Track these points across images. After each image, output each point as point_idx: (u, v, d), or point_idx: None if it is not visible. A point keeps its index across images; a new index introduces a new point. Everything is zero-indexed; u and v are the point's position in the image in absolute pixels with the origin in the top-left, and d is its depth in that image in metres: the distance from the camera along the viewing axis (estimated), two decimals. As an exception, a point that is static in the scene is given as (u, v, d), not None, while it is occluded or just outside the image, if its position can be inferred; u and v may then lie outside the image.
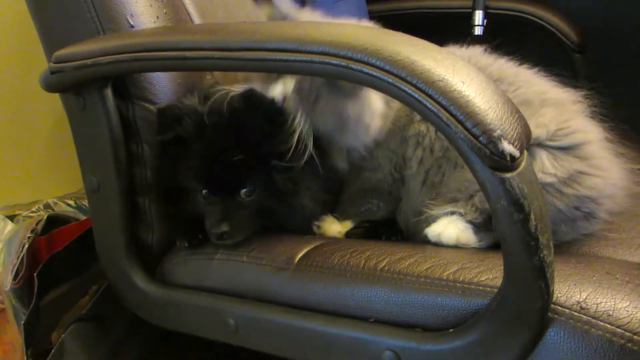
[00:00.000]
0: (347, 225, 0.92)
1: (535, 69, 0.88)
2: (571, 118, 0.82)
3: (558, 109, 0.82)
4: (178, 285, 0.85)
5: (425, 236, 0.82)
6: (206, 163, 0.81)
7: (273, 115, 0.79)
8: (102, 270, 0.92)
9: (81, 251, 1.03)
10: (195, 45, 0.60)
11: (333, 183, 0.88)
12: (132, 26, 0.81)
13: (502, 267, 0.60)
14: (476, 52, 0.90)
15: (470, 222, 0.80)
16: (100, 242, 0.91)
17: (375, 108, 0.84)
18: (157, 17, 0.85)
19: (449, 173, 0.84)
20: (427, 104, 0.48)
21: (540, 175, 0.77)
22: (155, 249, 0.89)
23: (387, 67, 0.49)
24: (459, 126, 0.47)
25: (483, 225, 0.80)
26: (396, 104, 0.87)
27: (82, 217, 1.33)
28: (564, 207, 0.78)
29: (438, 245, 0.81)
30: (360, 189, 0.90)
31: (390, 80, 0.49)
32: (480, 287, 0.65)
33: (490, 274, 0.66)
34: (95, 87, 0.78)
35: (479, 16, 1.28)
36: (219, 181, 0.81)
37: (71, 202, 1.45)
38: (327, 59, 0.52)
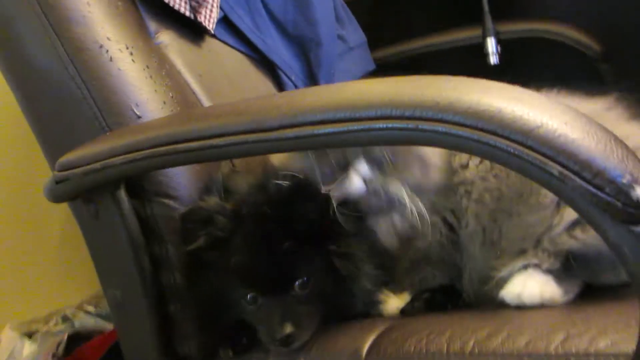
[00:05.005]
0: (405, 297, 0.81)
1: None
2: (612, 127, 0.73)
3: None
4: (227, 401, 0.73)
5: (503, 300, 0.72)
6: (250, 259, 0.72)
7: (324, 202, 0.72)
8: (137, 392, 0.81)
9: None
10: (223, 131, 0.52)
11: (386, 259, 0.79)
12: (138, 117, 0.74)
13: (617, 326, 0.53)
14: None
15: (548, 271, 0.70)
16: None
17: None
18: (164, 102, 0.77)
19: (506, 224, 0.75)
20: (529, 158, 0.39)
21: None
22: (196, 361, 0.78)
23: (468, 122, 0.41)
24: (576, 179, 0.38)
25: (563, 272, 0.71)
26: None
27: (105, 326, 1.27)
28: None
29: (521, 308, 0.70)
30: (411, 259, 0.81)
31: (475, 137, 0.40)
32: (601, 358, 0.54)
33: (607, 338, 0.55)
34: (108, 190, 0.70)
35: (491, 44, 1.20)
36: (269, 277, 0.72)
37: (90, 310, 1.38)
38: (389, 124, 0.43)
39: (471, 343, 0.61)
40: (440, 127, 0.41)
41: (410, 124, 0.42)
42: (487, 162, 0.74)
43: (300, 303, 0.72)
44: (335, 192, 0.72)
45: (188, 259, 0.75)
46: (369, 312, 0.78)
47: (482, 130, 0.40)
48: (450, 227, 0.77)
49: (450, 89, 0.43)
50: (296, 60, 1.17)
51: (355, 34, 1.33)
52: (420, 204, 0.73)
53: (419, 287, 0.81)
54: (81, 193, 0.69)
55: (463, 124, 0.41)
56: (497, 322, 0.64)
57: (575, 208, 0.39)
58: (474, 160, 0.76)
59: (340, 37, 1.28)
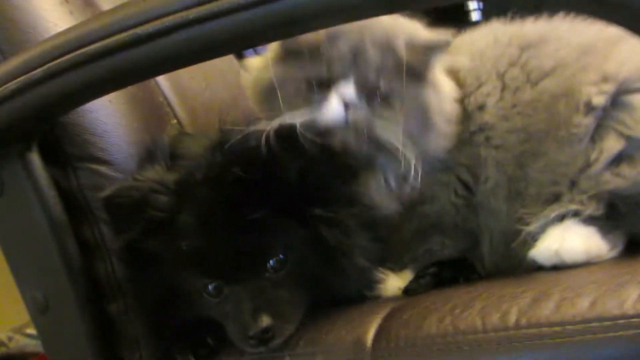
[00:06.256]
0: (406, 275, 0.66)
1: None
2: None
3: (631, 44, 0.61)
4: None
5: (534, 261, 0.58)
6: (206, 240, 0.56)
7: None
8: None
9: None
10: (164, 10, 0.34)
11: (381, 228, 0.64)
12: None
13: None
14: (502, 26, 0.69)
15: (591, 220, 0.57)
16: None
17: (447, 90, 0.62)
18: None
19: (533, 167, 0.61)
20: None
21: None
22: (148, 374, 0.62)
23: None
24: None
25: (606, 220, 0.58)
26: None
27: None
28: None
29: (559, 269, 0.56)
30: (415, 228, 0.67)
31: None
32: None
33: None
34: (13, 152, 0.52)
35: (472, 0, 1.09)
36: (233, 259, 0.56)
37: (32, 332, 1.23)
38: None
39: (513, 313, 0.47)
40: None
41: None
42: (508, 98, 0.62)
43: (278, 287, 0.57)
44: (307, 117, 0.57)
45: (126, 249, 0.59)
46: (364, 295, 0.63)
47: None
48: (466, 186, 0.63)
49: None
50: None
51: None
52: (413, 155, 0.60)
53: (424, 260, 0.67)
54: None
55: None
56: (540, 286, 0.50)
57: None
58: (492, 98, 0.62)
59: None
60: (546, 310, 0.45)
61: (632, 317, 0.42)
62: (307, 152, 0.56)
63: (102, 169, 0.59)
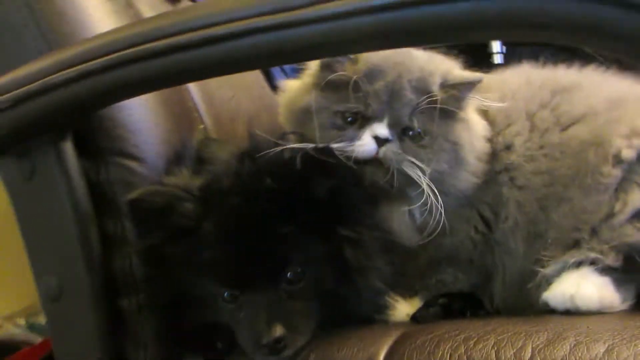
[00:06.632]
0: (415, 303, 0.67)
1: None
2: None
3: None
4: None
5: (546, 303, 0.58)
6: (228, 252, 0.57)
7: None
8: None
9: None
10: (229, 16, 0.34)
11: (398, 254, 0.65)
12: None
13: None
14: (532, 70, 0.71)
15: (608, 269, 0.58)
16: (66, 372, 0.63)
17: (479, 128, 0.64)
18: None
19: (556, 211, 0.62)
20: None
21: None
22: (151, 374, 0.62)
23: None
24: None
25: (622, 272, 0.58)
26: None
27: (37, 340, 1.12)
28: None
29: (571, 314, 0.57)
30: (431, 258, 0.67)
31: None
32: None
33: None
34: (48, 139, 0.53)
35: (496, 43, 1.10)
36: (252, 270, 0.57)
37: (21, 322, 1.24)
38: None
39: (528, 351, 0.47)
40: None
41: None
42: (535, 139, 0.63)
43: (293, 299, 0.57)
44: (339, 147, 0.59)
45: (147, 251, 0.60)
46: (373, 317, 0.63)
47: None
48: (486, 223, 0.64)
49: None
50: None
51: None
52: (438, 196, 0.61)
53: (435, 290, 0.67)
54: (10, 139, 0.52)
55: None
56: (554, 327, 0.50)
57: None
58: (520, 138, 0.63)
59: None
60: (561, 351, 0.46)
61: (648, 366, 0.42)
62: (340, 173, 0.57)
63: (133, 164, 0.60)
